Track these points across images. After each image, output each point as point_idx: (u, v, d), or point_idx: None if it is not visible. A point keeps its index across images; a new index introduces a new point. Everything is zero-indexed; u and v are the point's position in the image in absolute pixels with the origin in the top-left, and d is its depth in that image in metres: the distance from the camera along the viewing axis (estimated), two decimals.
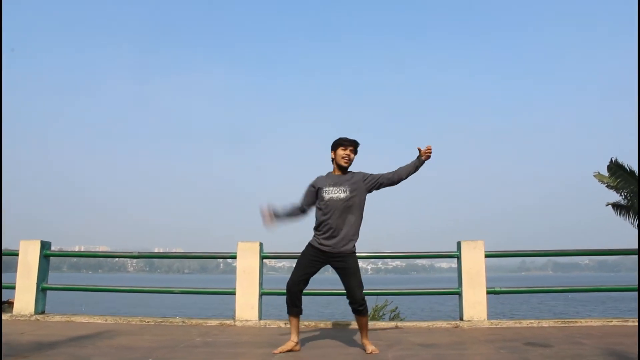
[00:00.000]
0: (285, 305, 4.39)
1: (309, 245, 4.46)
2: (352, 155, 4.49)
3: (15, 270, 6.77)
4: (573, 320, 6.32)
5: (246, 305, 6.32)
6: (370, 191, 4.49)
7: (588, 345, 4.64)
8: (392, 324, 6.39)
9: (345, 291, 4.40)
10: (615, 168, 13.55)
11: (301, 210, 4.60)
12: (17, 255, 6.84)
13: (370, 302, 10.42)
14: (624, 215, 14.19)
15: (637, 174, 13.07)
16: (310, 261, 4.40)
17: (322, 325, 6.13)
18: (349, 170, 4.52)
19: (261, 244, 6.52)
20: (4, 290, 10.20)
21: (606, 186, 13.92)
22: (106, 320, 6.43)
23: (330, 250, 4.33)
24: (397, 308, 10.52)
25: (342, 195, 4.33)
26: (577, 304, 33.95)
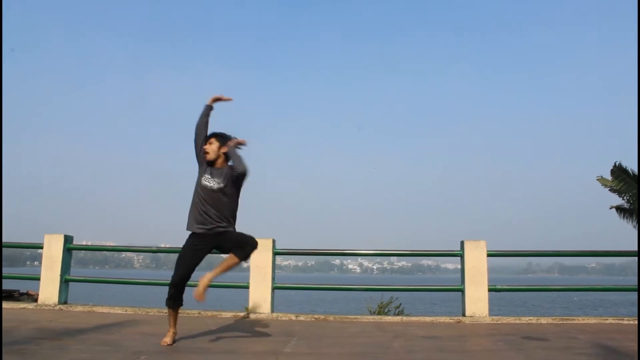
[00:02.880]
0: (169, 299, 4.45)
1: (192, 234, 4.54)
2: (211, 148, 4.56)
3: (24, 264, 7.18)
4: (571, 318, 6.61)
5: (259, 299, 6.67)
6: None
7: (582, 340, 4.95)
8: (398, 318, 6.72)
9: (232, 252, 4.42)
10: (619, 172, 13.80)
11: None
12: (41, 248, 7.22)
13: (376, 299, 10.74)
14: (627, 218, 14.43)
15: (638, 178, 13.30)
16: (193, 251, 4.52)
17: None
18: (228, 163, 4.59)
19: (274, 241, 6.85)
20: (23, 282, 10.64)
21: (609, 190, 14.18)
22: (126, 311, 6.78)
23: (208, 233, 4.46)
24: (400, 305, 10.79)
25: (216, 186, 4.45)
26: (578, 307, 34.08)
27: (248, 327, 5.69)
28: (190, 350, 4.16)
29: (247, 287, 6.76)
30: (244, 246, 4.42)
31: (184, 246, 4.55)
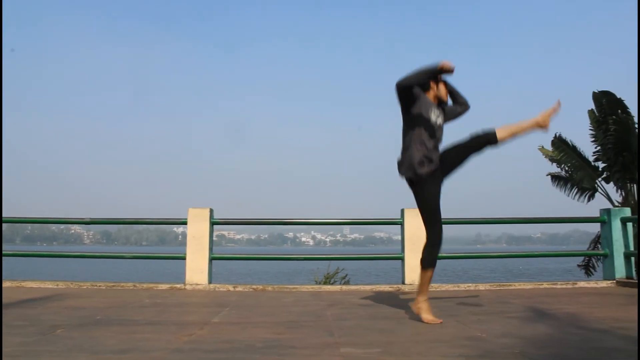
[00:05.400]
0: (426, 262, 4.03)
1: (429, 176, 3.91)
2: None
3: None
4: (508, 284, 6.71)
5: (196, 270, 6.50)
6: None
7: (515, 304, 5.01)
8: (337, 287, 6.68)
9: None
10: (559, 142, 14.23)
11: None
12: None
13: (322, 270, 10.74)
14: (561, 186, 14.95)
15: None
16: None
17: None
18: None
19: (211, 210, 6.66)
20: None
21: (549, 159, 14.61)
22: (57, 285, 6.50)
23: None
24: (347, 275, 10.83)
25: (440, 121, 4.07)
26: (515, 276, 35.41)
27: (182, 298, 5.53)
28: (115, 322, 3.97)
29: (183, 258, 6.58)
30: (478, 136, 3.92)
31: (435, 193, 3.95)
